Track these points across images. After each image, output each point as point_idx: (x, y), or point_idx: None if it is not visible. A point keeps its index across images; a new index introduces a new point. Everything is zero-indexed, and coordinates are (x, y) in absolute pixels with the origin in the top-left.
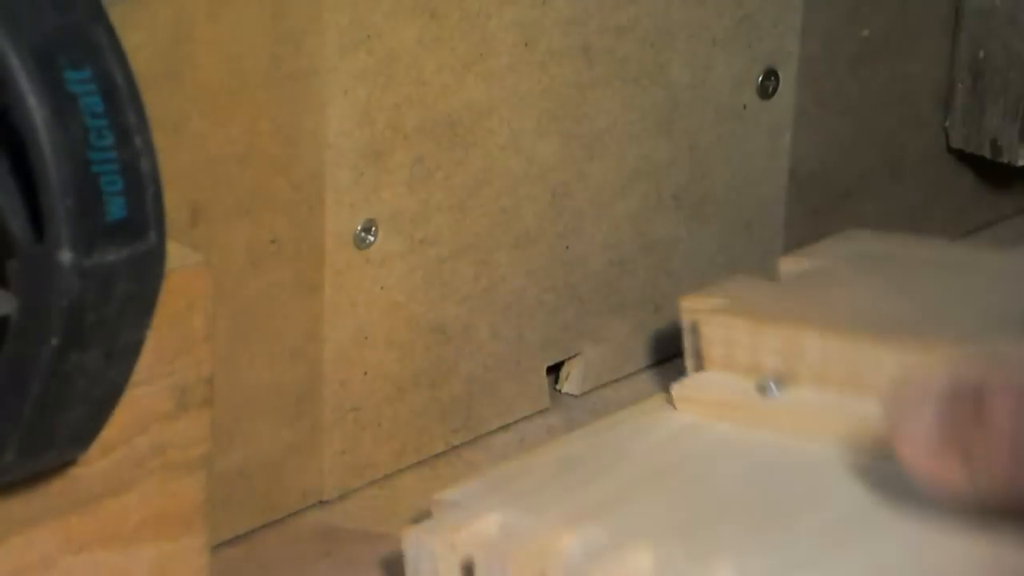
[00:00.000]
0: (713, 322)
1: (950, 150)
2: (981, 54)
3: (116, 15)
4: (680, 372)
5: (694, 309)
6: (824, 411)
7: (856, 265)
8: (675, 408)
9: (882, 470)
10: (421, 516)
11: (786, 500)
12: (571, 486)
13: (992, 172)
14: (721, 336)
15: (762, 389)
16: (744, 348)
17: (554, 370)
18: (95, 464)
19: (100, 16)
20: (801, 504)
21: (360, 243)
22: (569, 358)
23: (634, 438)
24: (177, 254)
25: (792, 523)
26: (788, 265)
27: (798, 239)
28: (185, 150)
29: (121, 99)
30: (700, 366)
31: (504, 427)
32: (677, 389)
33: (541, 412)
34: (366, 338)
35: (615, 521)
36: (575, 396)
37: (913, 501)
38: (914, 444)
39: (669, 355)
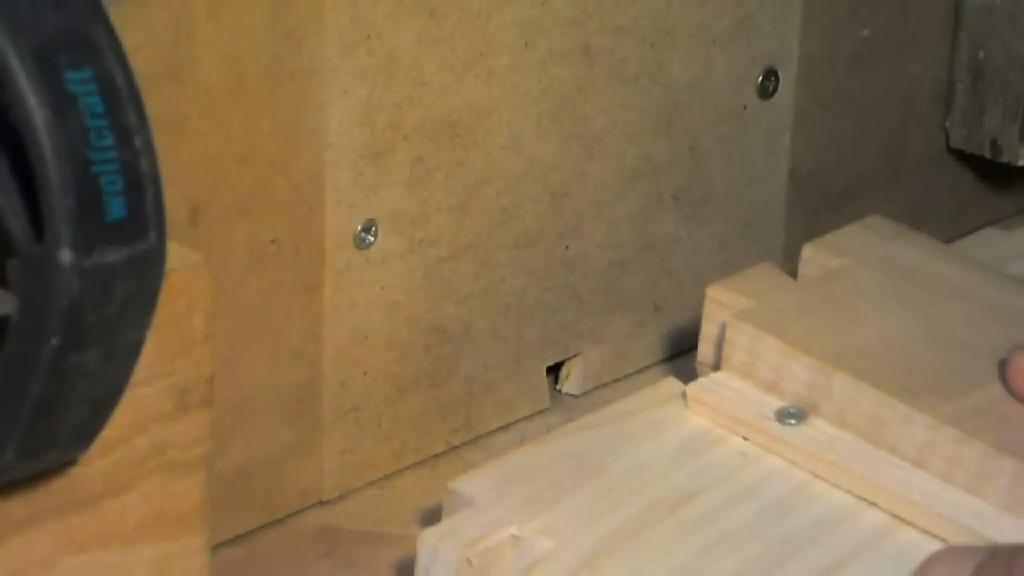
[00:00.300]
0: (741, 329)
1: (950, 150)
2: (981, 54)
3: (116, 15)
4: (681, 371)
5: (720, 302)
6: (841, 461)
7: (883, 278)
8: (687, 407)
9: (895, 548)
10: (429, 512)
11: (802, 566)
12: (588, 502)
13: (992, 172)
14: (746, 345)
15: (781, 417)
16: (768, 365)
17: (554, 370)
18: (95, 464)
19: (100, 16)
20: (817, 574)
21: (360, 243)
22: (569, 358)
23: (647, 441)
24: (177, 254)
25: None
26: (810, 254)
27: (798, 239)
28: (185, 150)
29: (121, 99)
30: (717, 357)
31: (504, 427)
32: (693, 390)
33: (541, 412)
34: (366, 338)
35: (631, 565)
36: (575, 396)
37: None
38: None
39: (669, 355)
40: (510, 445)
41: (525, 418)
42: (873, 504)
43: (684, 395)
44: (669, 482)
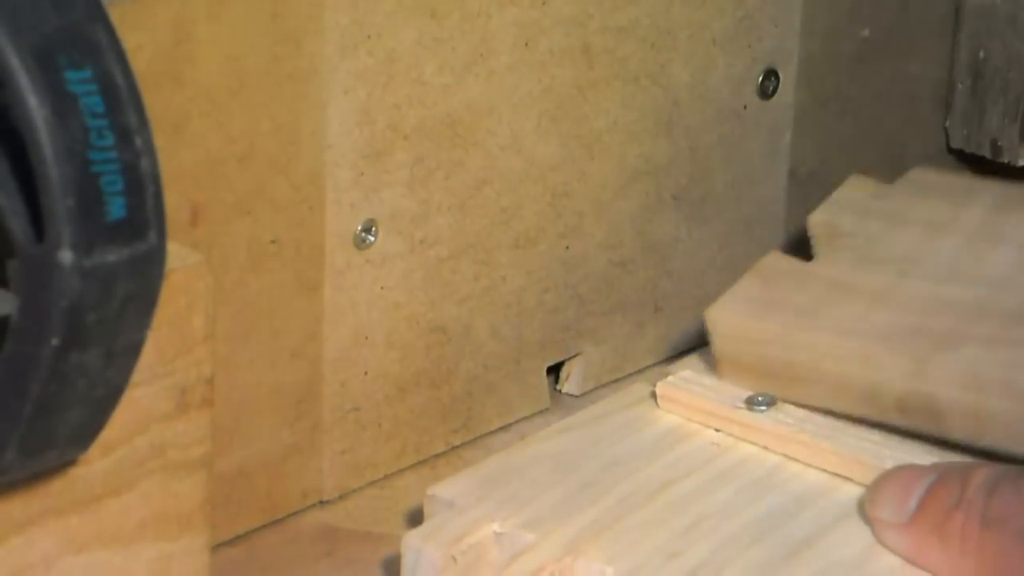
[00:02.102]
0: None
1: (950, 150)
2: (981, 54)
3: (116, 15)
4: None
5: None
6: (813, 440)
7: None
8: (658, 406)
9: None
10: (417, 514)
11: (782, 539)
12: (566, 497)
13: (992, 172)
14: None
15: (751, 404)
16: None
17: (554, 370)
18: (95, 464)
19: (100, 16)
20: (797, 546)
21: (360, 243)
22: (569, 358)
23: (621, 439)
24: (177, 254)
25: (790, 569)
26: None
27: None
28: (185, 150)
29: (121, 99)
30: None
31: (504, 427)
32: (663, 388)
33: (541, 412)
34: (366, 338)
35: (613, 549)
36: (575, 396)
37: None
38: (895, 530)
39: (669, 355)
40: (510, 445)
41: (525, 418)
42: (847, 479)
43: (654, 395)
44: (645, 474)
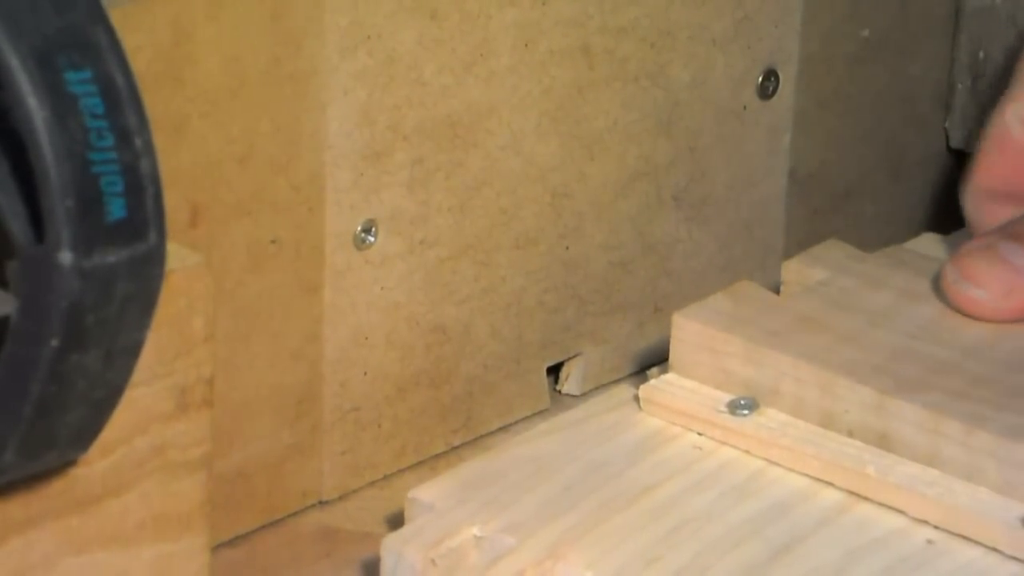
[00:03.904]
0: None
1: (950, 150)
2: (981, 54)
3: (116, 16)
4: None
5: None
6: (795, 445)
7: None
8: (640, 409)
9: (854, 521)
10: (391, 518)
11: (763, 544)
12: (547, 500)
13: None
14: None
15: (733, 408)
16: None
17: (554, 370)
18: (95, 465)
19: (100, 17)
20: (778, 551)
21: (360, 244)
22: (569, 358)
23: (602, 442)
24: (177, 254)
25: (771, 573)
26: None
27: (798, 239)
28: (185, 150)
29: (121, 100)
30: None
31: (504, 427)
32: (645, 392)
33: (541, 412)
34: (366, 338)
35: (594, 553)
36: (575, 396)
37: (881, 558)
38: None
39: (669, 356)
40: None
41: (525, 418)
42: (828, 483)
43: (636, 398)
44: (627, 477)
